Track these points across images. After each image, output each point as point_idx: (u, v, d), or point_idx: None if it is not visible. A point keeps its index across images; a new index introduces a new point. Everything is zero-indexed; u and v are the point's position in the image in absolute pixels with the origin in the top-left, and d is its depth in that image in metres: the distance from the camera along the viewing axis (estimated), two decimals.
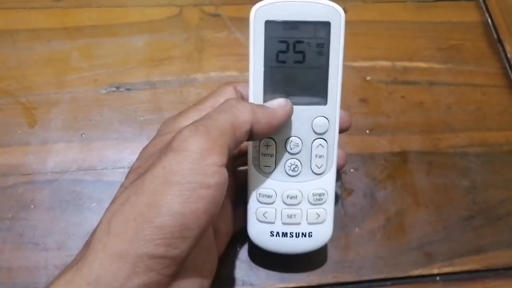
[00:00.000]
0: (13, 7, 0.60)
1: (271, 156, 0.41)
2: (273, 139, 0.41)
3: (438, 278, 0.48)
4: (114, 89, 0.56)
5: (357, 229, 0.50)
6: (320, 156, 0.41)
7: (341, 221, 0.50)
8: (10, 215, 0.48)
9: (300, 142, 0.41)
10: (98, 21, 0.60)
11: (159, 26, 0.61)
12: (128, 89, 0.56)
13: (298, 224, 0.42)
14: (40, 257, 0.46)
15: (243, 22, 0.59)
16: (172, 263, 0.32)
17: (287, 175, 0.41)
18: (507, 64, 0.61)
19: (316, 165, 0.41)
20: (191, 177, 0.32)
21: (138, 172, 0.35)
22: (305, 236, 0.42)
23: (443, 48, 0.62)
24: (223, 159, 0.34)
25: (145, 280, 0.31)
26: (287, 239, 0.42)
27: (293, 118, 0.40)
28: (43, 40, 0.58)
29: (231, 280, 0.44)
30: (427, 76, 0.60)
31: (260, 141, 0.41)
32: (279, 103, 0.39)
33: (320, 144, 0.41)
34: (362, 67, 0.59)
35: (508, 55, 0.62)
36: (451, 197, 0.52)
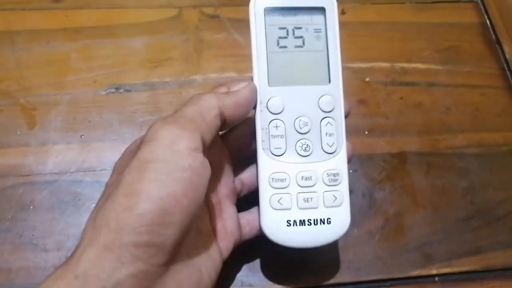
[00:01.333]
0: (12, 8, 0.60)
1: (281, 137, 0.41)
2: (281, 120, 0.41)
3: (436, 278, 0.48)
4: (113, 90, 0.56)
5: (355, 230, 0.50)
6: (330, 134, 0.41)
7: None
8: (9, 216, 0.48)
9: (309, 121, 0.41)
10: (97, 22, 0.60)
11: (158, 27, 0.61)
12: (128, 90, 0.56)
13: (316, 208, 0.41)
14: (39, 258, 0.46)
15: (242, 24, 0.60)
16: (159, 252, 0.32)
17: (300, 156, 0.41)
18: (505, 65, 0.61)
19: (327, 143, 0.41)
20: (165, 162, 0.33)
21: (120, 171, 0.36)
22: (323, 223, 0.41)
23: (442, 49, 0.62)
24: (195, 143, 0.35)
25: (133, 270, 0.31)
26: (305, 228, 0.41)
27: (299, 98, 0.41)
28: (42, 41, 0.58)
29: (230, 280, 0.44)
30: (425, 77, 0.60)
31: (269, 123, 0.41)
32: (239, 84, 0.41)
33: (329, 122, 0.41)
34: (361, 68, 0.59)
35: (507, 56, 0.62)
36: (449, 198, 0.52)
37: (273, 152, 0.41)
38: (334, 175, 0.41)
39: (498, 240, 0.50)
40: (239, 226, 0.42)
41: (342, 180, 0.42)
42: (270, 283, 0.46)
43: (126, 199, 0.32)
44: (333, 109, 0.42)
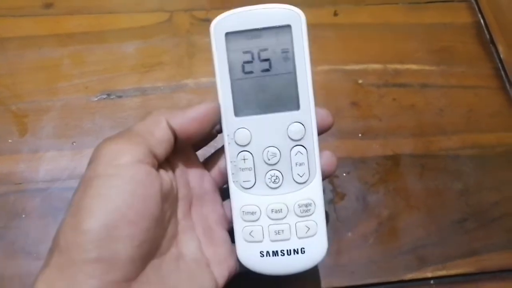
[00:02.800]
0: (3, 15, 0.60)
1: (250, 170, 0.40)
2: (249, 152, 0.40)
3: (432, 281, 0.48)
4: (105, 96, 0.56)
5: (349, 234, 0.49)
6: (300, 164, 0.40)
7: (334, 226, 0.50)
8: (1, 224, 0.48)
9: (278, 151, 0.40)
10: (89, 27, 0.60)
11: (149, 31, 0.60)
12: (119, 96, 0.56)
13: (287, 239, 0.40)
14: (32, 266, 0.46)
15: None
16: (112, 267, 0.32)
17: (269, 188, 0.40)
18: (499, 65, 0.61)
19: (298, 174, 0.40)
20: (106, 177, 0.33)
21: None
22: (297, 252, 0.40)
23: (435, 50, 0.62)
24: (139, 156, 0.35)
25: None
26: (278, 258, 0.40)
27: (267, 127, 0.40)
28: (34, 48, 0.58)
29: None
30: (419, 79, 0.59)
31: (237, 155, 0.40)
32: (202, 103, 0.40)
33: (299, 151, 0.40)
34: (354, 70, 0.59)
35: (501, 56, 0.61)
36: (443, 200, 0.52)
37: (242, 185, 0.40)
38: (306, 205, 0.40)
39: (493, 242, 0.50)
40: (233, 253, 0.41)
41: (316, 210, 0.40)
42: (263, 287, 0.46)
43: (72, 218, 0.32)
44: (303, 137, 0.40)
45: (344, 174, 0.52)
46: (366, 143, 0.55)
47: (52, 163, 0.51)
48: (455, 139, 0.56)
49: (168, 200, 0.37)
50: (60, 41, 0.59)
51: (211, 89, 0.55)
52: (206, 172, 0.43)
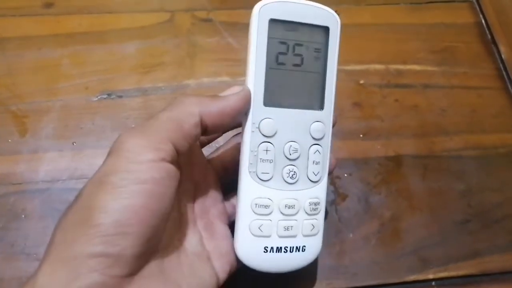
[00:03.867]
0: (3, 15, 0.60)
1: (270, 162, 0.39)
2: (272, 144, 0.39)
3: (433, 283, 0.48)
4: (105, 96, 0.55)
5: (351, 235, 0.49)
6: (317, 163, 0.40)
7: (335, 227, 0.49)
8: (1, 225, 0.48)
9: (299, 147, 0.40)
10: (89, 27, 0.60)
11: (150, 32, 0.60)
12: (120, 96, 0.55)
13: (294, 236, 0.40)
14: (32, 268, 0.45)
15: (235, 27, 0.59)
16: (116, 263, 0.31)
17: (285, 183, 0.40)
18: (501, 66, 0.61)
19: (313, 172, 0.40)
20: (124, 174, 0.33)
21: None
22: (299, 250, 0.40)
23: (437, 50, 0.61)
24: (161, 154, 0.34)
25: (89, 281, 0.30)
26: (281, 255, 0.40)
27: (292, 122, 0.40)
28: (33, 48, 0.58)
29: None
30: (421, 79, 0.59)
31: (259, 145, 0.39)
32: (232, 90, 0.39)
33: (317, 150, 0.40)
34: (355, 70, 0.59)
35: (503, 56, 0.61)
36: (446, 201, 0.52)
37: (259, 177, 0.39)
38: (315, 204, 0.41)
39: (495, 244, 0.50)
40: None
41: (321, 209, 0.41)
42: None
43: (82, 211, 0.32)
44: (323, 136, 0.40)
45: (346, 175, 0.52)
46: (368, 144, 0.55)
47: (52, 164, 0.51)
48: (457, 140, 0.55)
49: (177, 196, 0.37)
50: (60, 41, 0.59)
51: (213, 89, 0.55)
52: (209, 166, 0.43)
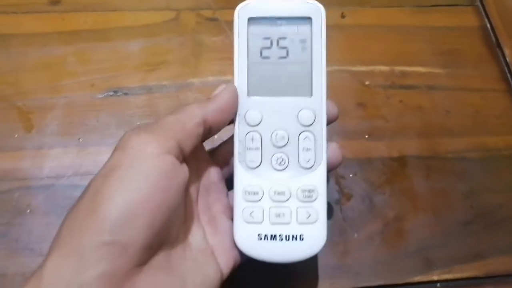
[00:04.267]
0: (7, 12, 0.60)
1: (257, 150, 0.40)
2: (258, 132, 0.40)
3: (438, 285, 0.48)
4: (111, 93, 0.55)
5: (355, 234, 0.49)
6: (307, 149, 0.40)
7: (340, 226, 0.49)
8: (5, 221, 0.48)
9: (286, 135, 0.40)
10: (94, 25, 0.60)
11: (155, 30, 0.60)
12: (125, 94, 0.55)
13: (288, 223, 0.40)
14: (35, 263, 0.44)
15: None
16: (124, 252, 0.31)
17: (274, 170, 0.40)
18: (506, 68, 0.61)
19: (304, 159, 0.40)
20: (130, 167, 0.34)
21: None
22: (295, 239, 0.40)
23: (441, 53, 0.61)
24: (166, 148, 0.35)
25: (97, 271, 0.30)
26: (276, 242, 0.40)
27: (278, 110, 0.41)
28: (38, 45, 0.58)
29: (224, 286, 0.43)
30: (425, 81, 0.59)
31: (246, 135, 0.40)
32: (219, 88, 0.41)
33: (307, 137, 0.41)
34: (360, 71, 0.59)
35: (507, 59, 0.61)
36: (449, 202, 0.52)
37: (248, 165, 0.40)
38: (309, 191, 0.40)
39: (498, 245, 0.50)
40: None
41: (318, 197, 0.40)
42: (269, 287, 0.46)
43: (89, 203, 0.32)
44: (312, 123, 0.41)
45: (351, 175, 0.52)
46: (373, 144, 0.55)
47: (57, 160, 0.51)
48: (461, 141, 0.55)
49: (184, 191, 0.37)
50: (64, 39, 0.59)
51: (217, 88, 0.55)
52: (212, 162, 0.43)
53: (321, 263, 0.48)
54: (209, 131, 0.39)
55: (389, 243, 0.49)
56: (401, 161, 0.54)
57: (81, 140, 0.52)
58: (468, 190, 0.53)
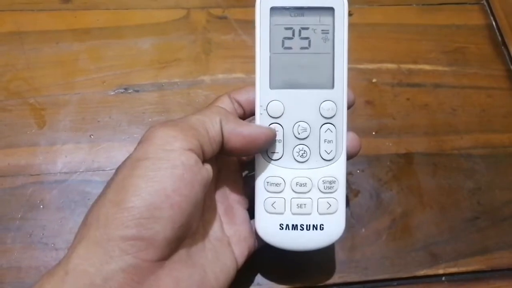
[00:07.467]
0: (22, 9, 0.60)
1: (279, 142, 0.41)
2: (280, 124, 0.41)
3: (443, 278, 0.48)
4: (122, 90, 0.56)
5: (363, 230, 0.50)
6: (329, 141, 0.41)
7: (348, 222, 0.49)
8: (19, 215, 0.48)
9: (308, 126, 0.41)
10: (106, 23, 0.61)
11: (166, 28, 0.61)
12: (137, 91, 0.56)
13: (309, 214, 0.41)
14: (49, 257, 0.47)
15: (250, 25, 0.59)
16: (148, 246, 0.32)
17: (296, 162, 0.41)
18: (511, 67, 0.61)
19: (325, 150, 0.41)
20: (156, 159, 0.34)
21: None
22: (316, 228, 0.41)
23: (448, 51, 0.62)
24: (190, 145, 0.35)
25: (122, 264, 0.31)
26: (297, 232, 0.41)
27: (300, 102, 0.41)
28: (51, 42, 0.59)
29: (237, 279, 0.44)
30: (432, 79, 0.60)
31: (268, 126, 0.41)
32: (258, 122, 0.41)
33: (329, 129, 0.41)
34: (368, 69, 0.60)
35: None
36: (456, 198, 0.52)
37: (270, 156, 0.41)
38: (330, 182, 0.41)
39: (504, 240, 0.51)
40: (252, 232, 0.42)
41: (339, 188, 0.41)
42: (278, 282, 0.47)
43: (116, 194, 0.33)
44: (334, 115, 0.41)
45: (358, 171, 0.53)
46: (380, 141, 0.55)
47: (70, 156, 0.52)
48: (467, 139, 0.56)
49: (208, 186, 0.38)
50: (77, 36, 0.59)
51: (228, 86, 0.56)
52: None
53: (329, 258, 0.48)
54: (226, 150, 0.39)
55: (396, 239, 0.50)
56: (408, 158, 0.54)
57: (92, 136, 0.53)
58: (474, 186, 0.53)
